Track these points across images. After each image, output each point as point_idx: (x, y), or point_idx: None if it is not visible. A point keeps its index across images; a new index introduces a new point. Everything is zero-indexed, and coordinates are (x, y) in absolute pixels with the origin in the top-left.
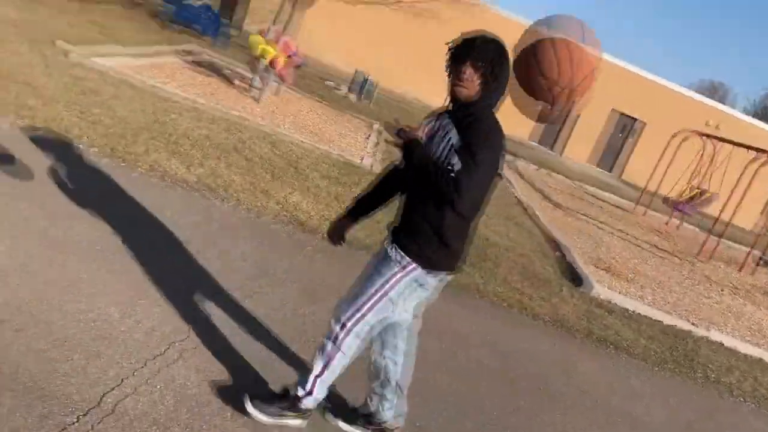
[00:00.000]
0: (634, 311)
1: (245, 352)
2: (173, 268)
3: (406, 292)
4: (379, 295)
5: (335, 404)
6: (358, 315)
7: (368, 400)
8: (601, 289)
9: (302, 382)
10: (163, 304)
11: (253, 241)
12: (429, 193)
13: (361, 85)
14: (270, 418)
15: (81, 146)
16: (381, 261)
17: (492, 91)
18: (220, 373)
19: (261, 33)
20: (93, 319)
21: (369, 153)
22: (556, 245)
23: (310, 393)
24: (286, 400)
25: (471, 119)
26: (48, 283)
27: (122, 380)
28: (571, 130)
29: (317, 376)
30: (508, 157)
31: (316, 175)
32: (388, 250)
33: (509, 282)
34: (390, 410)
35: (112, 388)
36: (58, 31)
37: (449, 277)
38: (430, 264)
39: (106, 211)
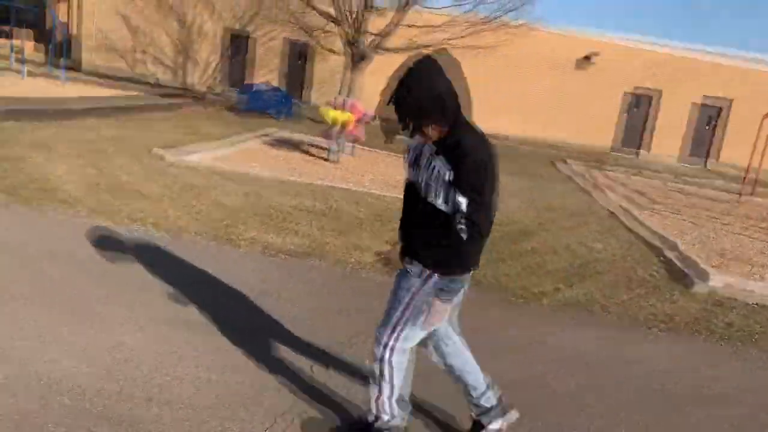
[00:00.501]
0: (757, 303)
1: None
2: (278, 331)
3: (432, 299)
4: (409, 308)
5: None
6: (396, 332)
7: (471, 410)
8: (717, 285)
9: (376, 410)
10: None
11: (356, 295)
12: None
13: None
14: None
15: (190, 235)
16: (402, 278)
17: (449, 114)
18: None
19: (329, 104)
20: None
21: None
22: (660, 249)
23: (390, 415)
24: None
25: (457, 150)
26: (166, 354)
27: None
28: (653, 128)
29: (377, 398)
30: (594, 171)
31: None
32: (407, 267)
33: (616, 295)
34: (476, 408)
35: None
36: (151, 141)
37: (469, 276)
38: (448, 271)
39: (218, 289)
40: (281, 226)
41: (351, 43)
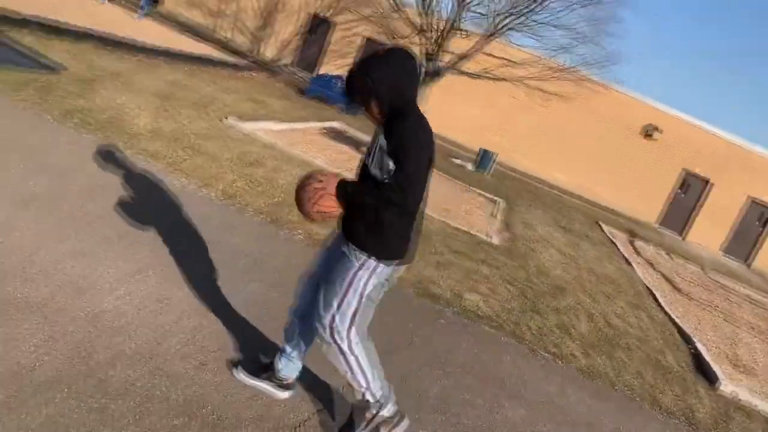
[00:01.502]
0: None
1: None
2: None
3: (368, 283)
4: (346, 292)
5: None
6: (340, 316)
7: (277, 360)
8: (740, 390)
9: (359, 387)
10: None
11: (394, 313)
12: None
13: (484, 160)
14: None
15: (240, 203)
16: (339, 262)
17: (390, 98)
18: None
19: None
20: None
21: (495, 230)
22: (689, 340)
23: (367, 387)
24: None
25: (394, 123)
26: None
27: None
28: (700, 213)
29: (361, 374)
30: (638, 242)
31: (446, 249)
32: (345, 250)
33: (641, 375)
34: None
35: None
36: (218, 100)
37: (401, 268)
38: (381, 254)
39: (275, 274)
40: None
41: (429, 57)
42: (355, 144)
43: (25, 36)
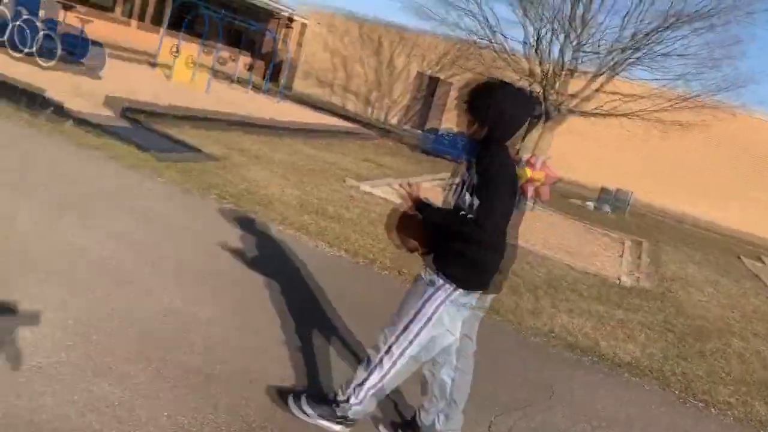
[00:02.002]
0: None
1: None
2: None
3: (444, 311)
4: (416, 315)
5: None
6: (402, 336)
7: (419, 414)
8: None
9: (352, 391)
10: None
11: (529, 364)
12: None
13: (614, 199)
14: (311, 418)
15: (374, 268)
16: (415, 284)
17: (494, 128)
18: None
19: (528, 162)
20: None
21: (625, 271)
22: None
23: (360, 403)
24: (334, 406)
25: (481, 157)
26: None
27: None
28: None
29: (370, 387)
30: None
31: (576, 295)
32: (422, 274)
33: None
34: (445, 423)
35: None
36: (341, 166)
37: (488, 298)
38: (462, 283)
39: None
40: None
41: (544, 102)
42: None
43: (184, 128)
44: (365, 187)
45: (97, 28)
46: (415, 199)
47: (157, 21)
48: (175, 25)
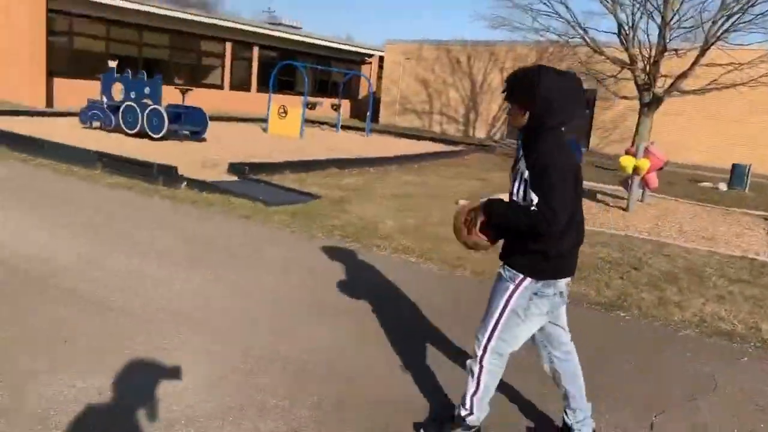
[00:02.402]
0: None
1: None
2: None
3: (527, 304)
4: (502, 311)
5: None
6: (492, 334)
7: (564, 415)
8: None
9: (462, 403)
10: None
11: (686, 357)
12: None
13: (736, 175)
14: None
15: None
16: (497, 283)
17: (538, 114)
18: None
19: (628, 152)
20: None
21: None
22: None
23: (471, 412)
24: (453, 422)
25: (535, 148)
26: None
27: None
28: None
29: (472, 395)
30: None
31: (723, 280)
32: (501, 271)
33: None
34: (573, 416)
35: None
36: (446, 187)
37: (567, 281)
38: (538, 274)
39: None
40: (592, 278)
41: (644, 87)
42: (588, 194)
43: (286, 174)
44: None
45: (205, 99)
46: (485, 204)
47: (253, 86)
48: (280, 88)
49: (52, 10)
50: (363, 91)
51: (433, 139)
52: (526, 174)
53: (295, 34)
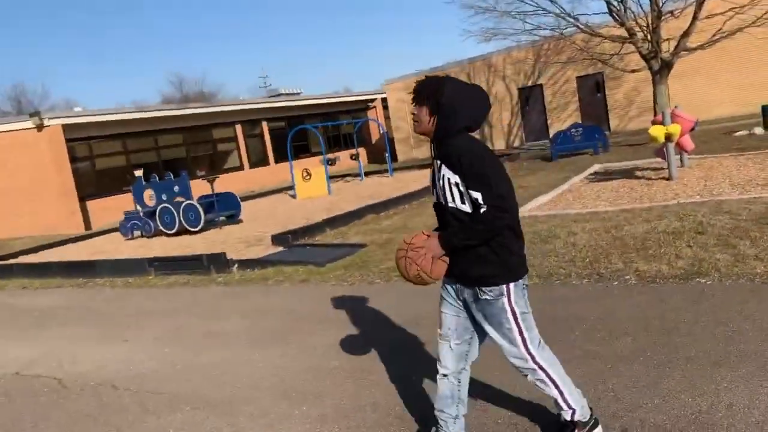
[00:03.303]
0: None
1: None
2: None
3: (524, 297)
4: (516, 324)
5: None
6: (525, 344)
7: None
8: None
9: (559, 408)
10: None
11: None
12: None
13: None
14: None
15: (559, 277)
16: (487, 308)
17: (445, 119)
18: None
19: (655, 122)
20: None
21: None
22: None
23: (573, 409)
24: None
25: (452, 151)
26: None
27: None
28: None
29: (560, 395)
30: None
31: None
32: (483, 297)
33: None
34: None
35: None
36: None
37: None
38: (516, 274)
39: (626, 325)
40: (660, 252)
41: (650, 56)
42: (626, 173)
43: (326, 232)
44: (523, 212)
45: (229, 183)
46: (439, 243)
47: (270, 158)
48: (296, 153)
49: (70, 139)
50: (374, 135)
51: None
52: (456, 179)
53: (297, 100)
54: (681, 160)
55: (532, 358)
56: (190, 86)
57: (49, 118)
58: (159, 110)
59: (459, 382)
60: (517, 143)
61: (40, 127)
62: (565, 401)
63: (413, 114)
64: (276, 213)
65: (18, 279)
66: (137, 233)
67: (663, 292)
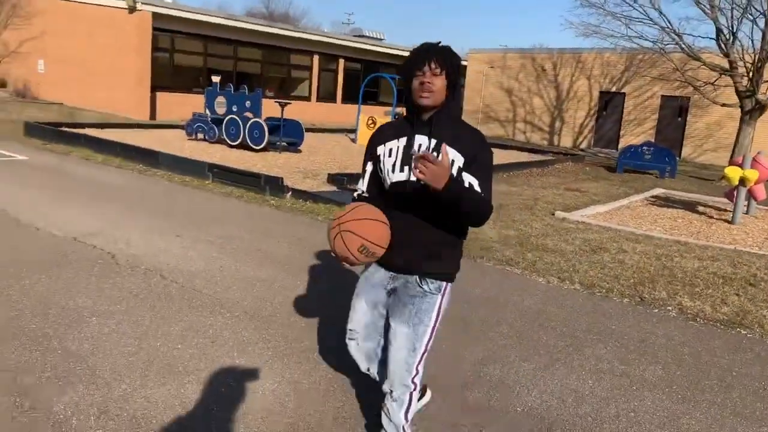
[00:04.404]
0: None
1: None
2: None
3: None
4: (433, 330)
5: None
6: (423, 355)
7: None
8: None
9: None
10: None
11: None
12: (441, 213)
13: None
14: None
15: (613, 298)
16: (418, 300)
17: (458, 100)
18: None
19: (734, 163)
20: None
21: None
22: None
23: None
24: None
25: (472, 137)
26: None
27: None
28: None
29: (406, 412)
30: None
31: None
32: (421, 286)
33: None
34: None
35: None
36: (541, 198)
37: None
38: (454, 277)
39: (666, 354)
40: (705, 292)
41: (745, 94)
42: (688, 206)
43: None
44: (576, 216)
45: (295, 111)
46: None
47: (338, 97)
48: (364, 99)
49: (156, 29)
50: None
51: (519, 149)
52: (461, 162)
53: (378, 46)
54: (748, 207)
55: (417, 374)
56: (278, 3)
57: (143, 3)
58: (243, 21)
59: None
60: (584, 145)
61: (132, 10)
62: (407, 419)
63: (426, 82)
64: (334, 152)
65: (83, 149)
66: (200, 135)
67: (702, 332)
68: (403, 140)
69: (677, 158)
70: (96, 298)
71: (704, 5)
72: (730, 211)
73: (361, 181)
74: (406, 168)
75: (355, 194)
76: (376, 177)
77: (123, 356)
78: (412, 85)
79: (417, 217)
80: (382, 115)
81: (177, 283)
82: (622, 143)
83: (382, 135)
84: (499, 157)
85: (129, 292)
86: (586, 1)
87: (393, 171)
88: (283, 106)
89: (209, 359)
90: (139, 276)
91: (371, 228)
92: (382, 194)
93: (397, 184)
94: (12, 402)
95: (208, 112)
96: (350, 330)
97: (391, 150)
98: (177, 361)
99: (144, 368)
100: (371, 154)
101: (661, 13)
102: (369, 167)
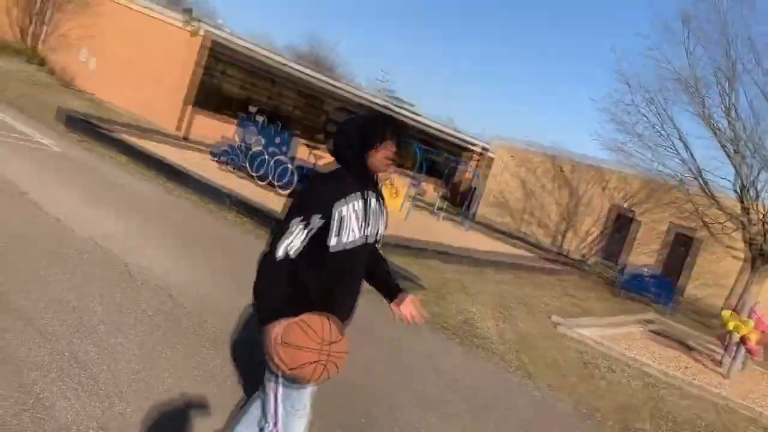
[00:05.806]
0: None
1: None
2: None
3: None
4: None
5: None
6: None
7: None
8: None
9: None
10: None
11: None
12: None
13: None
14: None
15: (590, 413)
16: None
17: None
18: None
19: (733, 309)
20: None
21: None
22: None
23: None
24: None
25: (377, 187)
26: None
27: None
28: None
29: None
30: None
31: None
32: None
33: None
34: None
35: None
36: (541, 303)
37: None
38: None
39: None
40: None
41: (752, 242)
42: (684, 346)
43: (391, 255)
44: (575, 328)
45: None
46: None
47: None
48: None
49: (205, 47)
50: (463, 181)
51: (534, 246)
52: (380, 209)
53: (410, 112)
54: (744, 364)
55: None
56: (323, 48)
57: (206, 31)
58: (289, 61)
59: None
60: (585, 251)
61: (194, 33)
62: None
63: (396, 154)
64: None
65: (118, 154)
66: (225, 160)
67: None
68: (361, 199)
69: (678, 297)
70: (106, 305)
71: (729, 149)
72: (720, 359)
73: (295, 237)
74: (365, 227)
75: (280, 253)
76: (314, 238)
77: (126, 373)
78: (377, 152)
79: (360, 275)
80: (399, 180)
81: (185, 307)
82: (624, 257)
83: (336, 192)
84: (501, 248)
85: (138, 307)
86: (617, 119)
87: (358, 231)
88: (312, 149)
89: (211, 395)
90: (149, 291)
91: (346, 343)
92: (306, 258)
93: (355, 244)
94: (17, 398)
95: (237, 139)
96: (304, 412)
97: (356, 210)
98: (175, 389)
99: (146, 390)
100: (323, 212)
101: (686, 146)
102: (316, 223)
